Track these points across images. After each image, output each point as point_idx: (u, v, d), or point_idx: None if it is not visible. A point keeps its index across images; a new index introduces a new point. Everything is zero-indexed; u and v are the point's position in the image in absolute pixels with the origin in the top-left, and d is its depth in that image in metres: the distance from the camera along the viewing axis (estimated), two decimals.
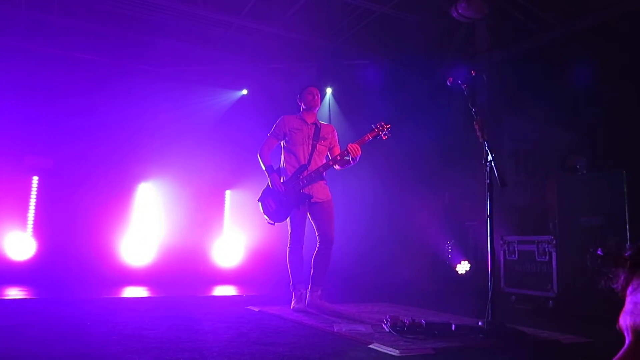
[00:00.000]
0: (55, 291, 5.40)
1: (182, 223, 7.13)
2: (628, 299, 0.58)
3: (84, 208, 6.61)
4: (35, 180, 6.72)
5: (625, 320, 0.57)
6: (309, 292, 4.17)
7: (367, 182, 7.16)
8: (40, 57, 6.63)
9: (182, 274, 6.90)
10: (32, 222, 6.63)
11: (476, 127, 3.53)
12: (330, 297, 4.36)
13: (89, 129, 6.62)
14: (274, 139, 4.34)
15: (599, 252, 0.63)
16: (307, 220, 4.24)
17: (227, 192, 7.80)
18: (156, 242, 7.08)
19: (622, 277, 0.60)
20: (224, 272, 7.46)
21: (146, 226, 7.10)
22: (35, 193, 6.70)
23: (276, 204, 4.16)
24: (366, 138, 4.18)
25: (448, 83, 3.71)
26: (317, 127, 4.33)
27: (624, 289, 0.60)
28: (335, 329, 3.26)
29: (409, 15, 6.48)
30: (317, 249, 4.20)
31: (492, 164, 3.40)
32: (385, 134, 4.19)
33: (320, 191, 4.21)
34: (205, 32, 7.03)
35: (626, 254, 0.60)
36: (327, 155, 4.37)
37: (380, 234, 7.19)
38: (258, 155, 4.28)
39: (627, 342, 0.57)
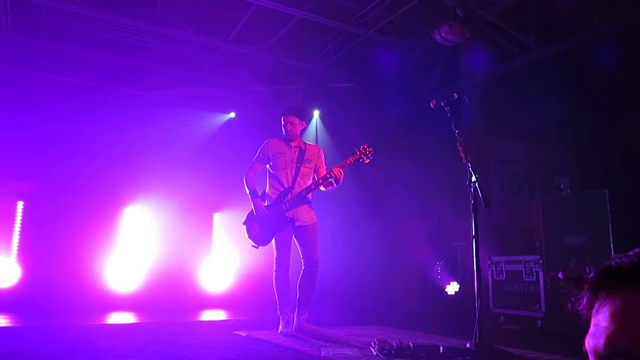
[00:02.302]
0: (39, 318, 5.30)
1: (169, 247, 7.05)
2: (591, 322, 0.59)
3: (70, 233, 6.53)
4: (20, 205, 6.63)
5: (588, 343, 0.58)
6: (296, 315, 4.14)
7: (355, 204, 7.17)
8: (26, 80, 6.62)
9: (170, 299, 6.79)
10: (16, 248, 6.52)
11: (459, 148, 3.58)
12: (318, 321, 4.33)
13: (75, 153, 6.58)
14: (258, 163, 4.36)
15: (559, 275, 0.64)
16: (292, 243, 4.23)
17: (215, 215, 7.75)
18: (143, 267, 6.98)
19: (585, 300, 0.61)
20: (212, 296, 7.36)
21: (133, 251, 7.01)
22: (20, 218, 6.61)
23: (260, 228, 4.17)
24: (348, 161, 4.19)
25: (431, 105, 3.77)
26: (302, 149, 4.34)
27: (588, 311, 0.61)
28: (322, 353, 3.23)
29: (393, 40, 6.60)
30: (302, 272, 4.19)
31: (476, 185, 3.43)
32: (367, 157, 4.20)
33: (305, 214, 4.21)
34: (192, 57, 7.08)
35: (589, 276, 0.62)
36: (313, 177, 4.39)
37: (369, 257, 7.17)
38: (243, 180, 4.30)
39: None
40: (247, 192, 4.27)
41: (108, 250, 6.87)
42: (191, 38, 6.43)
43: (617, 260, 0.59)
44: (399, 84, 7.34)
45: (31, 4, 5.69)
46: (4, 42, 6.23)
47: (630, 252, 0.59)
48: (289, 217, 4.16)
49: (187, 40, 6.56)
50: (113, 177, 6.86)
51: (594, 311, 0.60)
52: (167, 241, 7.06)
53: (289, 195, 4.19)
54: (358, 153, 4.20)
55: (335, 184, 4.17)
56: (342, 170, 4.12)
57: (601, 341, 0.56)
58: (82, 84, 7.01)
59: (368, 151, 4.20)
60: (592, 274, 0.61)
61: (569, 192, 4.62)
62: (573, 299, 0.63)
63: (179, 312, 6.25)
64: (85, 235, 6.65)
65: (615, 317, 0.56)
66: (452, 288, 6.47)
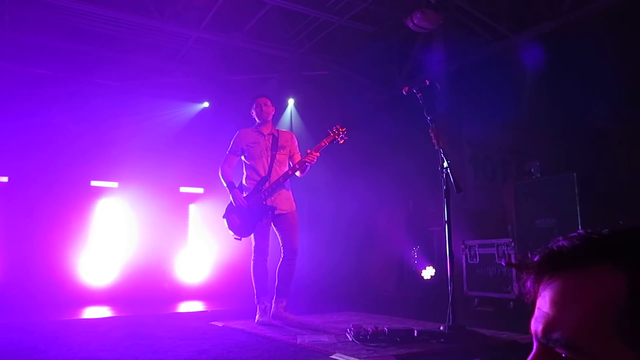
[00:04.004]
0: (11, 315, 5.19)
1: (144, 240, 6.98)
2: (536, 304, 0.60)
3: (42, 227, 6.40)
4: None
5: (532, 326, 0.59)
6: (274, 303, 4.15)
7: (332, 192, 7.18)
8: None
9: (146, 292, 6.73)
10: None
11: (432, 135, 3.61)
12: (296, 308, 4.35)
13: (46, 145, 6.43)
14: (232, 155, 4.33)
15: (502, 262, 0.65)
16: (270, 231, 4.23)
17: (191, 206, 7.69)
18: (118, 260, 6.89)
19: (529, 284, 0.62)
20: (189, 288, 7.32)
21: (108, 244, 6.91)
22: None
23: (240, 219, 4.15)
24: (323, 143, 4.20)
25: (404, 92, 3.78)
26: (275, 136, 4.33)
27: (532, 295, 0.61)
28: (298, 341, 3.25)
29: (367, 27, 6.58)
30: (281, 260, 4.20)
31: (449, 171, 3.47)
32: (341, 138, 4.21)
33: (285, 202, 4.21)
34: (163, 45, 6.95)
35: (534, 260, 0.62)
36: (289, 163, 4.38)
37: (346, 244, 7.22)
38: (219, 174, 4.27)
39: (534, 348, 0.59)
40: (224, 184, 4.24)
41: (82, 243, 6.75)
42: (162, 26, 6.30)
43: (559, 244, 0.60)
44: (373, 71, 7.34)
45: None
46: None
47: (572, 234, 0.59)
48: (268, 205, 4.14)
49: (158, 29, 6.42)
50: (85, 168, 6.75)
51: (537, 295, 0.60)
52: (142, 233, 6.98)
53: (267, 184, 4.17)
54: (332, 134, 4.21)
55: (308, 165, 4.18)
56: (318, 154, 4.12)
57: (540, 327, 0.57)
58: (51, 75, 6.84)
59: (341, 131, 4.21)
60: (536, 258, 0.62)
61: (539, 176, 4.71)
62: (518, 283, 0.64)
63: (155, 304, 6.20)
64: (58, 229, 6.53)
65: (554, 302, 0.56)
66: (428, 273, 6.57)
